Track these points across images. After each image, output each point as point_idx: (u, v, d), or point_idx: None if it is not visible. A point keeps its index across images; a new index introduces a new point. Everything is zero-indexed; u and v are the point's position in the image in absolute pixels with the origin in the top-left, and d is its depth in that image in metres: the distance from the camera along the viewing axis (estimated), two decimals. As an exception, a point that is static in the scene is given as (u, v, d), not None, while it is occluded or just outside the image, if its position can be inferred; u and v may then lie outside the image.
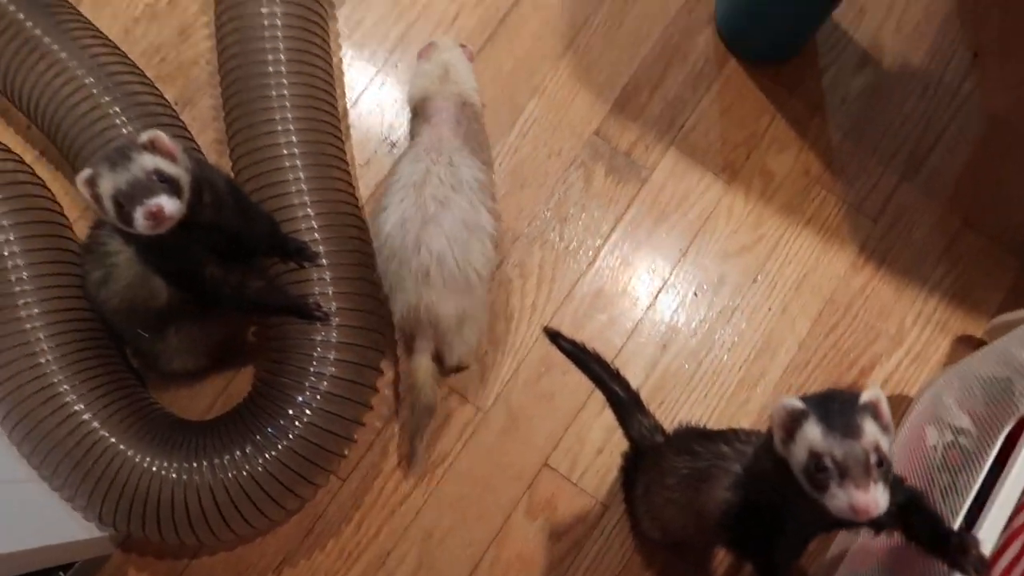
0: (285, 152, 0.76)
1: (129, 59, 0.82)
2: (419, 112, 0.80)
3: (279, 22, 0.79)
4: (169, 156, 0.60)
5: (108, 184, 0.58)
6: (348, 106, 0.89)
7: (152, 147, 0.60)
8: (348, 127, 0.89)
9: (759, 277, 0.88)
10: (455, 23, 0.92)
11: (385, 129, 0.89)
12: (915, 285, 0.88)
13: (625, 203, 0.89)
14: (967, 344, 0.87)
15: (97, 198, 0.59)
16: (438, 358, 0.78)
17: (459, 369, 0.82)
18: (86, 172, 0.59)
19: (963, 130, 0.92)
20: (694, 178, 0.89)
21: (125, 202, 0.58)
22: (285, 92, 0.77)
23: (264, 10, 0.78)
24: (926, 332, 0.87)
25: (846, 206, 0.90)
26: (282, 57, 0.78)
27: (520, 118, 0.90)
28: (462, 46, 0.84)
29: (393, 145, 0.88)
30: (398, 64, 0.91)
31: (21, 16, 0.77)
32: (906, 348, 0.87)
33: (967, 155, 0.91)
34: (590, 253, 0.87)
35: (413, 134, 0.81)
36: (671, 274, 0.87)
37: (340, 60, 0.90)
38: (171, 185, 0.59)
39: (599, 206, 0.88)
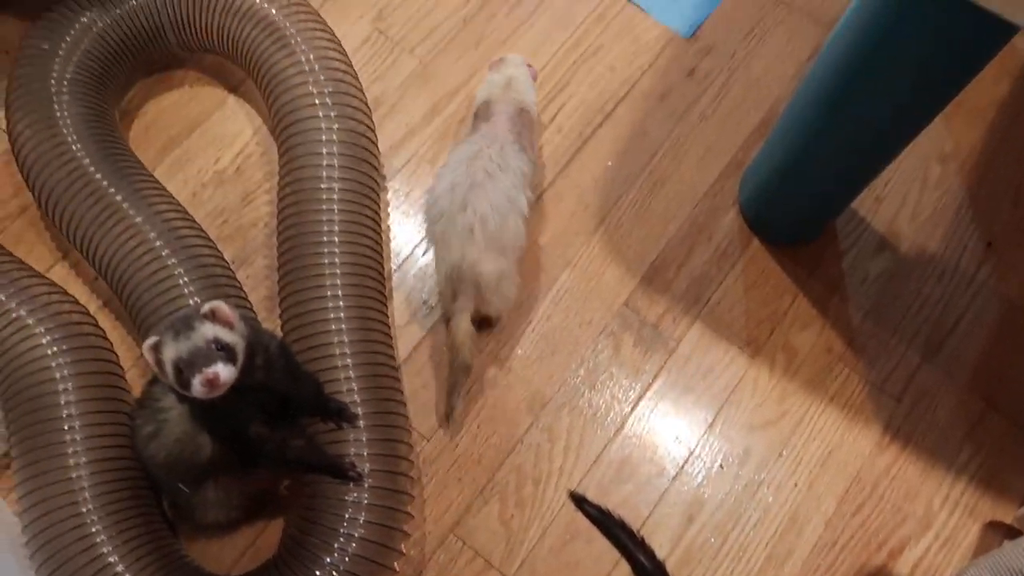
0: (332, 316, 0.81)
1: (195, 222, 0.89)
2: (480, 114, 0.92)
3: (336, 196, 0.86)
4: (228, 324, 0.65)
5: (171, 351, 0.63)
6: (392, 269, 0.95)
7: (213, 316, 0.65)
8: (391, 289, 0.94)
9: (784, 452, 0.89)
10: (496, 197, 0.99)
11: (425, 293, 0.94)
12: (941, 467, 0.89)
13: (652, 373, 0.92)
14: (997, 530, 0.86)
15: (160, 363, 0.63)
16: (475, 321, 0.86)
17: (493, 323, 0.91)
18: (152, 340, 0.64)
19: (980, 315, 0.95)
20: (719, 351, 0.93)
21: (185, 369, 0.62)
22: (336, 260, 0.83)
23: (323, 185, 0.86)
24: (955, 516, 0.87)
25: (869, 385, 0.92)
26: (336, 228, 0.84)
27: (553, 288, 0.95)
28: (528, 65, 0.96)
29: (432, 308, 0.93)
30: (441, 233, 0.97)
31: (105, 183, 0.85)
32: (935, 532, 0.86)
33: (985, 339, 0.94)
34: (618, 420, 0.90)
35: (473, 131, 0.91)
36: (697, 445, 0.89)
37: (388, 227, 0.97)
38: (228, 352, 0.64)
39: (627, 375, 0.91)
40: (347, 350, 0.80)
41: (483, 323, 0.90)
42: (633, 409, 0.90)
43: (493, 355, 0.91)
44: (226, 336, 0.64)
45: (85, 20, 0.92)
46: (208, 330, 0.64)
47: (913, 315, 0.95)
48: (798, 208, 0.93)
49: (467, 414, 0.89)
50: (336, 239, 0.84)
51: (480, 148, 0.85)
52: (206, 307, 0.65)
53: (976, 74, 0.69)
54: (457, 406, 0.86)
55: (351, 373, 0.79)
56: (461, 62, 1.05)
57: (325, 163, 0.87)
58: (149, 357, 0.64)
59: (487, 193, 0.83)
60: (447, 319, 0.87)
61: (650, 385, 0.91)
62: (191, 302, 0.80)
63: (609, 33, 1.07)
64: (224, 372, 0.62)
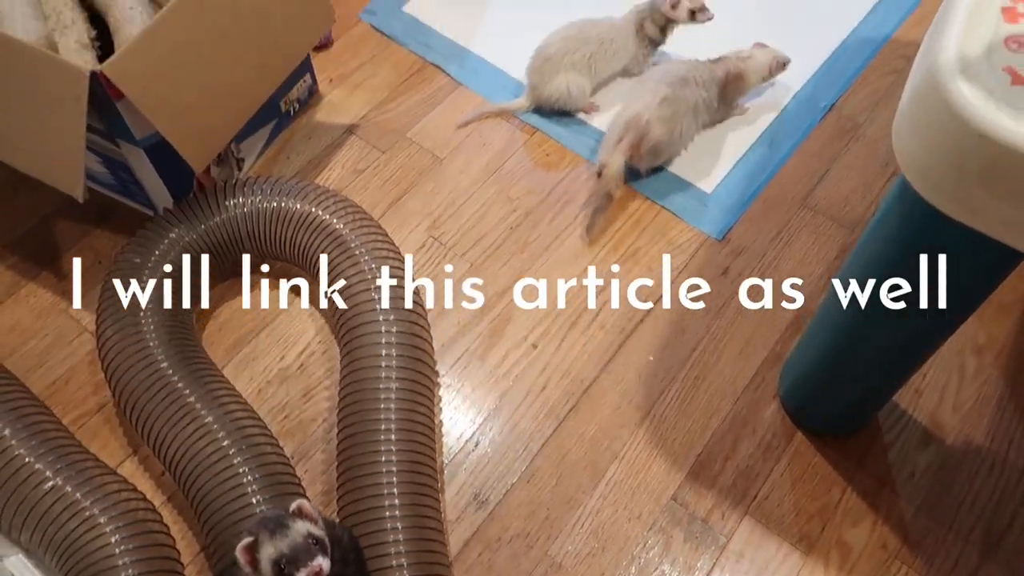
0: (388, 515, 0.83)
1: (260, 419, 0.94)
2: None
3: (393, 395, 0.91)
4: (312, 520, 0.70)
5: (270, 550, 0.67)
6: (444, 464, 0.98)
7: (301, 513, 0.69)
8: (443, 483, 0.96)
9: (847, 657, 0.85)
10: (543, 392, 1.03)
11: (476, 487, 0.96)
12: (1016, 676, 0.84)
13: (705, 570, 0.91)
14: None
15: (254, 562, 0.67)
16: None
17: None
18: (247, 539, 0.68)
19: (1037, 510, 0.94)
20: (771, 548, 0.92)
21: (287, 565, 0.66)
22: (393, 457, 0.87)
23: (382, 386, 0.91)
24: None
25: (929, 584, 0.90)
26: (393, 427, 0.88)
27: (601, 482, 0.96)
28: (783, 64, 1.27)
29: (483, 503, 0.95)
30: (491, 429, 1.00)
31: (180, 385, 0.91)
32: None
33: (1046, 535, 0.92)
34: (671, 621, 0.88)
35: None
36: (755, 649, 0.86)
37: (441, 422, 1.01)
38: (321, 546, 0.69)
39: (680, 570, 0.90)
40: (401, 548, 0.81)
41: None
42: (686, 609, 0.88)
43: (543, 551, 0.92)
44: (316, 531, 0.69)
45: (174, 235, 1.02)
46: (302, 527, 0.69)
47: (967, 510, 0.94)
48: (838, 402, 0.96)
49: (518, 614, 0.88)
50: (393, 438, 0.88)
51: (702, 69, 1.18)
52: (294, 505, 0.70)
53: (999, 284, 0.73)
54: (596, 223, 1.15)
55: (405, 573, 0.80)
56: (507, 266, 1.13)
57: (383, 364, 0.93)
58: (242, 557, 0.68)
59: (688, 88, 1.15)
60: (602, 165, 1.13)
61: (703, 584, 0.90)
62: (254, 500, 0.84)
63: (645, 236, 1.16)
64: (326, 564, 0.67)
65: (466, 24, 1.41)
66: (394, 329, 0.96)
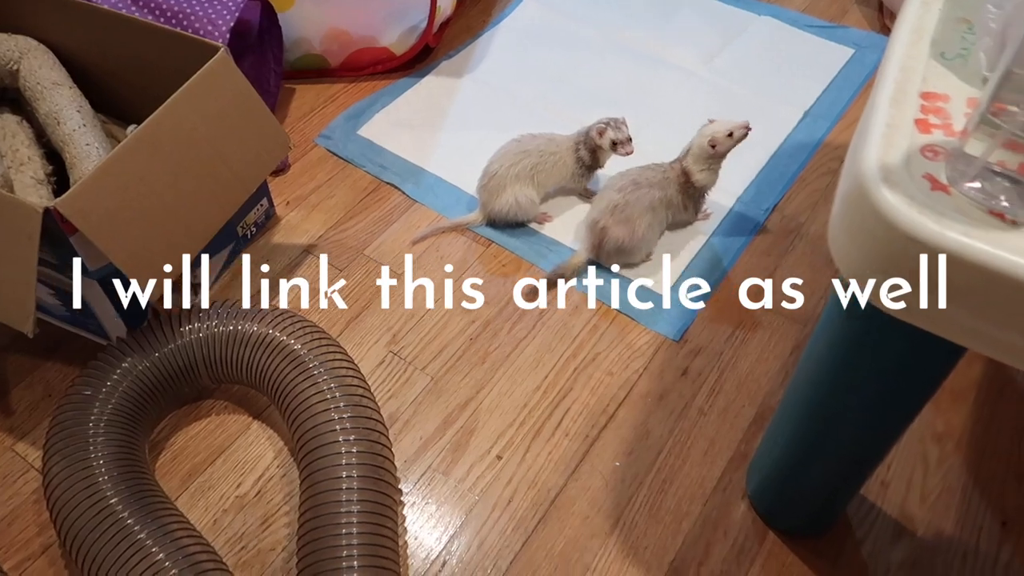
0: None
1: (215, 552, 0.90)
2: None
3: (355, 519, 0.88)
4: None
5: None
6: (423, 572, 0.94)
7: None
8: (409, 610, 0.92)
9: None
10: (510, 505, 1.01)
11: (445, 612, 0.92)
12: None
13: None
14: None
15: None
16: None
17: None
18: None
19: (1014, 600, 0.93)
20: (753, 658, 0.89)
21: None
22: None
23: (343, 509, 0.88)
24: None
25: None
26: (355, 553, 0.85)
27: (574, 598, 0.93)
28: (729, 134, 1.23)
29: (452, 628, 0.91)
30: (458, 548, 0.97)
31: (131, 521, 0.87)
32: None
33: (1026, 627, 0.91)
34: None
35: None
36: None
37: (406, 543, 0.97)
38: None
39: None
40: None
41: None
42: None
43: None
44: None
45: (126, 365, 1.00)
46: None
47: (945, 604, 0.93)
48: (805, 501, 0.95)
49: None
50: (356, 564, 0.85)
51: (654, 171, 1.24)
52: None
53: (947, 374, 0.75)
54: (548, 289, 1.23)
55: None
56: (469, 377, 1.13)
57: (344, 486, 0.90)
58: None
59: (639, 191, 1.21)
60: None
61: None
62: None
63: (604, 341, 1.17)
64: None
65: (419, 145, 1.46)
66: (354, 449, 0.94)
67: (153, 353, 1.02)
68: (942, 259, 0.57)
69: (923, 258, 0.57)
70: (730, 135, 1.20)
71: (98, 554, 0.86)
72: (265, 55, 1.51)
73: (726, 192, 1.37)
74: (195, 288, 1.20)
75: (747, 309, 1.21)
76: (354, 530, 0.88)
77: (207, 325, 1.04)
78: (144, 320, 1.08)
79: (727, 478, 1.03)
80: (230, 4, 1.32)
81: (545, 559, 0.96)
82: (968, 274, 0.57)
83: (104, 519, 0.88)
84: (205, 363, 1.04)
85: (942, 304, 0.60)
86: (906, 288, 0.61)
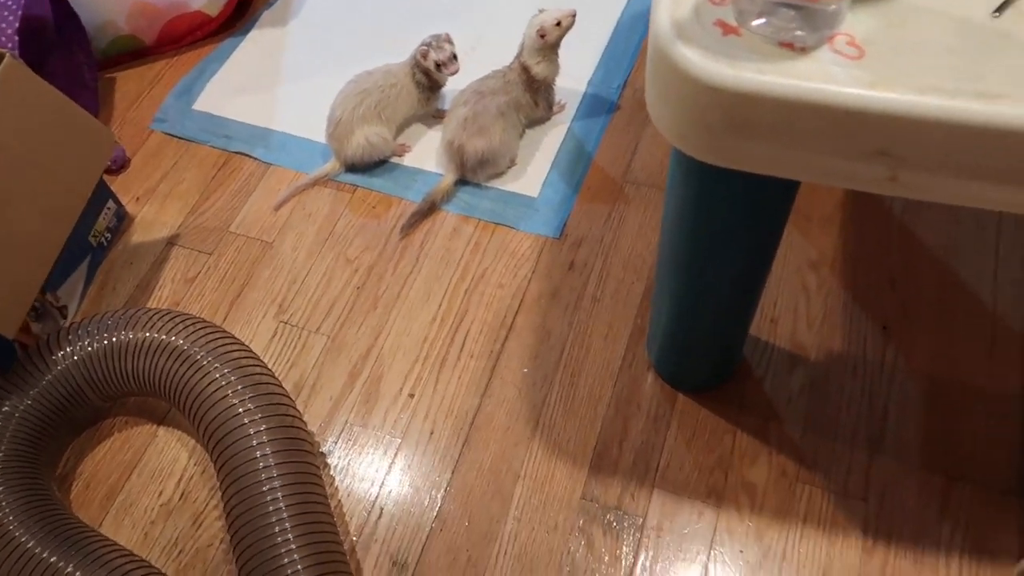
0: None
1: (150, 565, 0.90)
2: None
3: (280, 495, 0.88)
4: None
5: None
6: (354, 542, 0.95)
7: None
8: (358, 562, 0.94)
9: (782, 590, 0.88)
10: (432, 438, 1.02)
11: (392, 553, 0.94)
12: (930, 551, 0.89)
13: (632, 554, 0.92)
14: (1009, 596, 0.86)
15: None
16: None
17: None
18: None
19: (903, 395, 1.00)
20: (685, 512, 0.94)
21: None
22: (296, 556, 0.84)
23: (266, 488, 0.88)
24: (964, 596, 0.86)
25: (833, 495, 0.94)
26: (288, 526, 0.86)
27: (511, 506, 0.96)
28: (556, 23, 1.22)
29: (403, 567, 0.93)
30: (391, 492, 0.99)
31: (54, 559, 0.86)
32: (952, 620, 0.85)
33: (917, 416, 0.98)
34: (615, 616, 0.88)
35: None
36: (698, 614, 0.88)
37: (340, 502, 0.98)
38: None
39: (608, 564, 0.91)
40: None
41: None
42: (625, 599, 0.89)
43: (475, 593, 0.91)
44: None
45: (7, 409, 0.96)
46: None
47: (845, 416, 0.99)
48: (702, 355, 0.99)
49: (467, 664, 0.86)
50: (291, 537, 0.85)
51: (495, 77, 1.23)
52: None
53: (787, 212, 0.78)
54: (413, 223, 1.20)
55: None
56: (364, 327, 1.12)
57: (262, 465, 0.90)
58: None
59: (484, 100, 1.20)
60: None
61: (633, 567, 0.91)
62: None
63: (488, 257, 1.17)
64: None
65: (260, 106, 1.40)
66: (263, 427, 0.93)
67: (31, 389, 0.98)
68: (746, 101, 0.59)
69: (728, 104, 0.59)
70: (558, 24, 1.19)
71: (30, 600, 0.85)
72: (71, 49, 1.40)
73: (575, 78, 1.36)
74: (62, 311, 1.14)
75: (618, 189, 1.23)
76: (282, 505, 0.88)
77: (80, 346, 1.00)
78: (14, 358, 1.03)
79: (630, 354, 1.07)
80: (10, 3, 1.21)
81: (477, 479, 0.99)
82: (771, 108, 0.59)
83: (26, 565, 0.86)
84: (89, 384, 1.00)
85: (755, 144, 0.62)
86: (725, 137, 0.62)
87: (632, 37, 1.43)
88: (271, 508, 0.88)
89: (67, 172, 1.04)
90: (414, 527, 0.96)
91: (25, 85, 1.02)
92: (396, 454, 1.01)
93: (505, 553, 0.93)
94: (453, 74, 1.24)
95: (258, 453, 0.91)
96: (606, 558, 0.92)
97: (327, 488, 0.96)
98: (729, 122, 0.61)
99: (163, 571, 0.90)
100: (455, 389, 1.06)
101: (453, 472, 0.99)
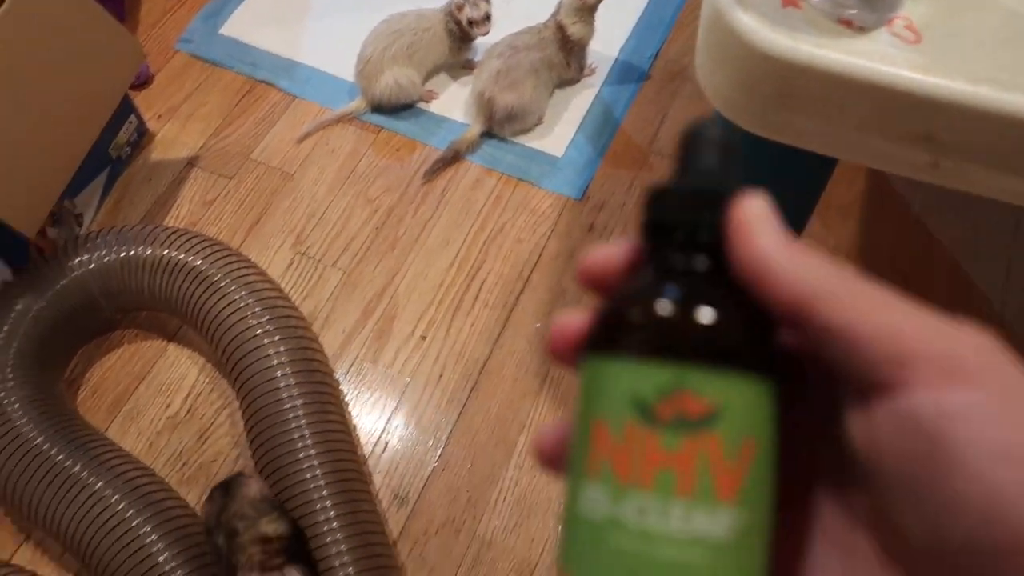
0: (327, 529, 0.82)
1: (153, 473, 0.91)
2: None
3: (301, 412, 0.89)
4: None
5: None
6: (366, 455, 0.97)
7: None
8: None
9: None
10: (441, 380, 1.04)
11: (394, 488, 0.96)
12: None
13: (626, 512, 0.94)
14: None
15: None
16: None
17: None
18: None
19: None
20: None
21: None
22: (316, 461, 0.87)
23: (287, 406, 0.89)
24: None
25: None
26: (310, 442, 0.88)
27: (514, 453, 0.98)
28: None
29: (404, 501, 0.95)
30: (397, 428, 1.00)
31: (61, 458, 0.87)
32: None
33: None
34: (605, 567, 0.91)
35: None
36: None
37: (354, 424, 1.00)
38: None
39: (603, 519, 0.94)
40: (343, 547, 0.82)
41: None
42: (617, 552, 0.92)
43: (471, 533, 0.93)
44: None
45: (20, 308, 0.96)
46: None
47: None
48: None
49: (459, 599, 0.89)
50: (313, 454, 0.87)
51: (530, 33, 1.22)
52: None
53: (821, 190, 0.80)
54: (436, 170, 1.20)
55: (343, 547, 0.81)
56: (381, 266, 1.13)
57: (283, 385, 0.91)
58: None
59: (518, 55, 1.19)
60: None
61: (627, 524, 0.93)
62: (160, 559, 0.81)
63: (508, 211, 1.18)
64: None
65: (288, 37, 1.39)
66: (282, 348, 0.94)
67: (47, 291, 0.98)
68: (799, 73, 0.59)
69: (781, 75, 0.60)
70: None
71: (34, 495, 0.85)
72: (101, -42, 1.38)
73: (608, 43, 1.36)
74: (78, 219, 1.14)
75: (643, 158, 1.24)
76: (303, 422, 0.89)
77: (98, 255, 1.00)
78: (27, 260, 1.02)
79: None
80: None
81: (482, 424, 1.00)
82: (824, 84, 0.60)
83: (32, 460, 0.87)
84: (103, 294, 1.00)
85: (803, 117, 0.63)
86: (772, 108, 0.63)
87: (667, 8, 1.43)
88: (292, 426, 0.89)
89: (94, 80, 1.03)
90: (417, 464, 0.98)
91: (62, -13, 1.01)
92: (404, 392, 1.03)
93: (504, 498, 0.95)
94: (484, 35, 1.24)
95: (278, 373, 0.92)
96: (602, 511, 0.94)
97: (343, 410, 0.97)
98: (780, 93, 0.62)
99: (166, 481, 0.91)
100: (467, 335, 1.07)
101: (459, 416, 1.01)
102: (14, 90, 0.92)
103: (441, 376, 1.04)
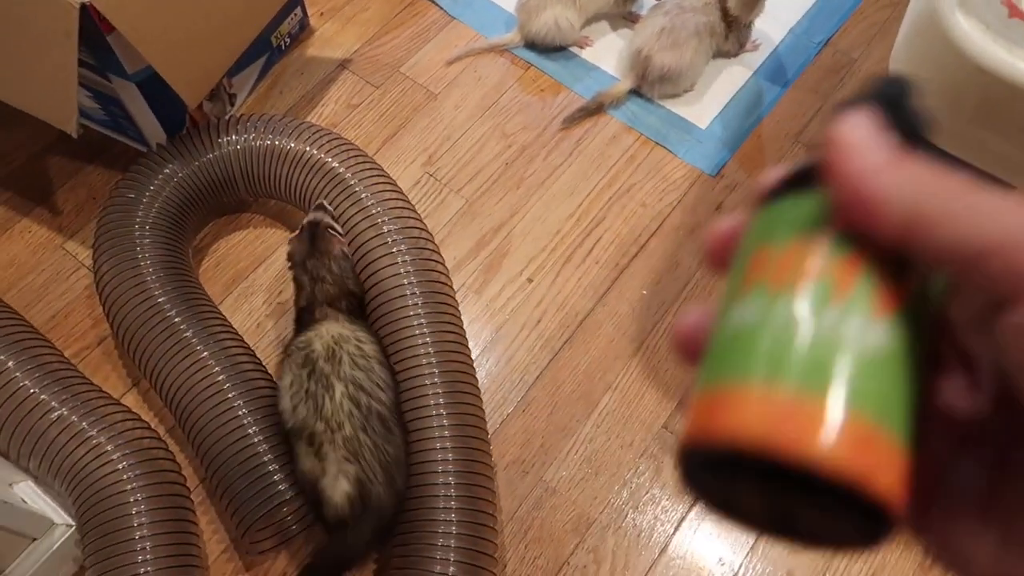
0: (434, 424, 0.86)
1: (253, 353, 0.96)
2: None
3: (424, 321, 0.93)
4: None
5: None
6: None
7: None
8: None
9: (828, 573, 0.90)
10: (538, 325, 1.05)
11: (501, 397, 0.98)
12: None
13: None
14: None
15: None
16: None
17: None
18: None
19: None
20: (759, 473, 0.95)
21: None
22: (435, 369, 0.91)
23: (411, 313, 0.93)
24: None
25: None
26: (429, 340, 0.92)
27: (595, 411, 0.99)
28: None
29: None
30: (488, 361, 1.02)
31: (177, 320, 0.92)
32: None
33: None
34: (661, 542, 0.92)
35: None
36: (741, 567, 0.90)
37: (437, 355, 1.02)
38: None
39: (669, 496, 0.94)
40: (448, 444, 0.86)
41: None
42: (676, 530, 0.92)
43: (538, 477, 0.95)
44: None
45: (167, 171, 1.02)
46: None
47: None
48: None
49: (514, 536, 0.91)
50: (431, 351, 0.91)
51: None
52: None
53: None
54: (576, 118, 1.19)
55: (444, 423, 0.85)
56: (503, 202, 1.14)
57: (409, 292, 0.94)
58: None
59: (684, 15, 1.16)
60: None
61: (692, 506, 0.93)
62: (250, 431, 0.86)
63: (640, 172, 1.16)
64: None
65: (458, -44, 1.38)
66: (408, 258, 0.96)
67: (193, 162, 1.03)
68: (1011, 92, 0.55)
69: (990, 90, 0.56)
70: None
71: (148, 348, 0.92)
72: None
73: (779, 21, 1.30)
74: (231, 98, 1.19)
75: (787, 146, 1.19)
76: (426, 330, 0.92)
77: (245, 138, 1.04)
78: (183, 128, 1.08)
79: (750, 311, 1.06)
80: None
81: (570, 376, 1.01)
82: (1034, 108, 0.56)
83: (152, 316, 0.93)
84: (243, 176, 1.05)
85: (997, 138, 0.59)
86: (969, 121, 0.60)
87: (851, -5, 1.35)
88: (416, 333, 0.92)
89: (276, -33, 1.06)
90: (500, 400, 1.00)
91: None
92: (501, 328, 1.05)
93: (576, 452, 0.97)
94: None
95: (405, 281, 0.94)
96: (669, 489, 0.94)
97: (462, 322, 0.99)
98: (984, 109, 0.58)
99: (264, 363, 0.96)
100: (573, 287, 1.07)
101: (550, 362, 1.02)
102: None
103: (539, 321, 1.05)
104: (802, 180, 0.24)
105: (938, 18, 0.59)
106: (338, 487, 0.78)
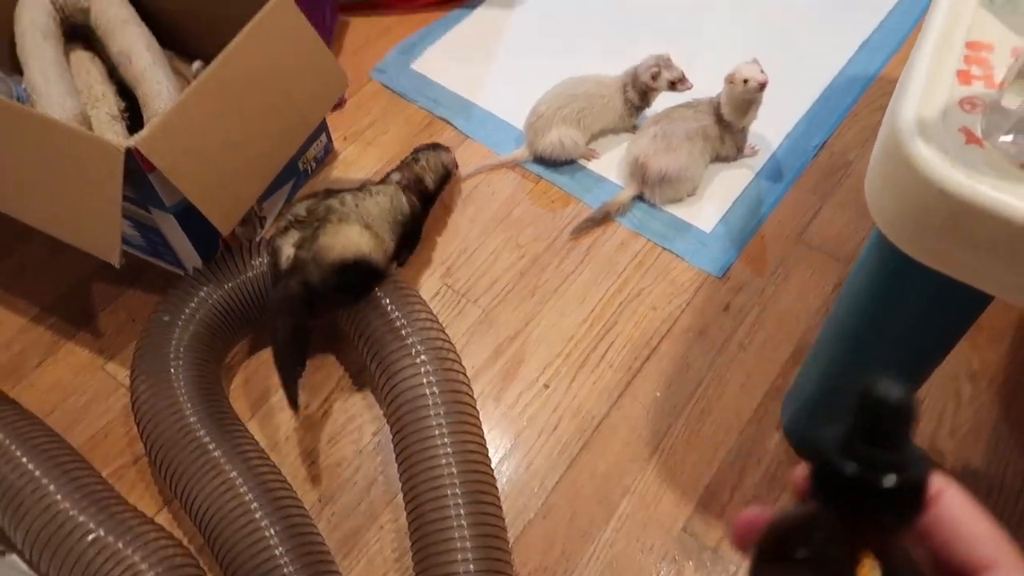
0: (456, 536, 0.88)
1: (280, 472, 1.00)
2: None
3: (445, 429, 0.96)
4: None
5: None
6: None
7: None
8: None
9: None
10: (555, 431, 1.08)
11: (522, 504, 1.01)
12: None
13: (715, 599, 0.94)
14: None
15: None
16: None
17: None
18: None
19: (1035, 530, 0.97)
20: None
21: None
22: (452, 459, 0.94)
23: (434, 422, 0.96)
24: None
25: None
26: (452, 460, 0.94)
27: (614, 515, 1.01)
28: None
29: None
30: (507, 468, 1.05)
31: (207, 439, 0.97)
32: None
33: (1045, 555, 0.95)
34: (685, 649, 0.92)
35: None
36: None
37: (458, 463, 1.05)
38: None
39: (691, 601, 0.94)
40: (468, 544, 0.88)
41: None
42: (700, 637, 0.92)
43: (560, 585, 0.96)
44: None
45: (203, 294, 1.09)
46: None
47: (967, 532, 0.97)
48: (836, 434, 1.00)
49: (538, 646, 0.92)
50: (455, 472, 0.94)
51: (692, 104, 1.27)
52: None
53: (974, 319, 0.78)
54: (583, 228, 1.26)
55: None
56: (518, 310, 1.19)
57: (431, 402, 0.98)
58: None
59: (675, 122, 1.24)
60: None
61: (714, 611, 0.94)
62: (276, 552, 0.89)
63: (649, 277, 1.21)
64: None
65: (471, 78, 1.49)
66: (431, 367, 1.00)
67: (227, 283, 1.10)
68: (972, 213, 0.60)
69: (953, 211, 0.60)
70: (745, 82, 1.20)
71: (178, 467, 0.96)
72: (322, -10, 1.53)
73: (775, 127, 1.37)
74: (261, 221, 1.27)
75: (790, 247, 1.24)
76: (447, 439, 0.95)
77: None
78: (216, 252, 1.15)
79: (763, 410, 1.08)
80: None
81: (588, 480, 1.04)
82: (996, 227, 0.60)
83: (184, 436, 0.97)
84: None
85: (968, 254, 0.63)
86: (937, 239, 0.64)
87: (844, 99, 1.43)
88: (435, 433, 0.96)
89: (304, 103, 1.15)
90: (521, 507, 1.02)
91: (289, 17, 1.14)
92: (519, 435, 1.08)
93: (597, 558, 0.98)
94: (688, 89, 1.29)
95: (427, 391, 0.98)
96: (691, 593, 0.95)
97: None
98: (949, 228, 0.62)
99: (287, 481, 1.00)
100: (588, 392, 1.11)
101: (568, 467, 1.05)
102: (240, 101, 1.05)
103: (556, 427, 1.08)
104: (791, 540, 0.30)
105: (900, 146, 0.64)
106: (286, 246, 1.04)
